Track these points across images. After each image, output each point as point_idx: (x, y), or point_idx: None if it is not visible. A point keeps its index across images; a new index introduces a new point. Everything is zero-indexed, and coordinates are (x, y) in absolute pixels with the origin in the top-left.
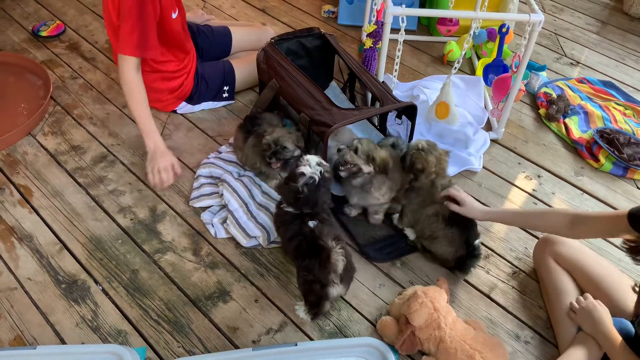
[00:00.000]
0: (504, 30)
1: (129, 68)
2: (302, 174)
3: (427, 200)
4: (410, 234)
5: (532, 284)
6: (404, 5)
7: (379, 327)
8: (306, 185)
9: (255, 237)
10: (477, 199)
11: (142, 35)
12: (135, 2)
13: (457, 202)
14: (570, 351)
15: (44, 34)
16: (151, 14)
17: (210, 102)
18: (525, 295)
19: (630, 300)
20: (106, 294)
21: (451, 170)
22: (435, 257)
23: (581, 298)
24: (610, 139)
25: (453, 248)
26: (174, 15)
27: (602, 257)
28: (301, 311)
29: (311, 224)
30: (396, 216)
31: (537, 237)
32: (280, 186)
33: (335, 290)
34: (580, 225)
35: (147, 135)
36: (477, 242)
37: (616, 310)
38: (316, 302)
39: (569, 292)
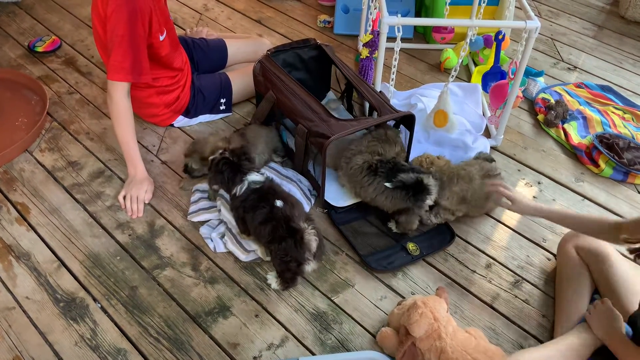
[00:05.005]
0: (500, 37)
1: (120, 93)
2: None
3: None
4: (393, 227)
5: (535, 292)
6: (399, 15)
7: (378, 339)
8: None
9: (253, 250)
10: None
11: (135, 61)
12: (127, 29)
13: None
14: (567, 336)
15: (40, 49)
16: (142, 38)
17: (208, 115)
18: (529, 304)
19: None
20: (105, 311)
21: None
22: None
23: (599, 302)
24: (609, 143)
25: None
26: (162, 38)
27: (623, 258)
28: (273, 282)
29: (278, 203)
30: (393, 223)
31: (539, 245)
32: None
33: (309, 266)
34: (621, 233)
35: (130, 161)
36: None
37: (623, 311)
38: (291, 278)
39: (581, 283)
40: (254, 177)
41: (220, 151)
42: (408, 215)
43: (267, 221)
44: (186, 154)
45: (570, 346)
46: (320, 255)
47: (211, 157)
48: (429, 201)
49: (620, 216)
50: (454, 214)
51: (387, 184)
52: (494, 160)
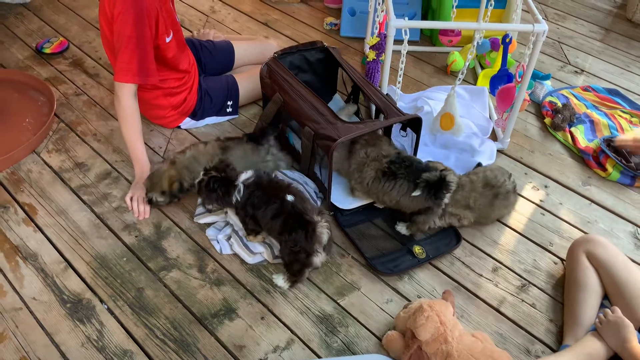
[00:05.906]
0: (507, 40)
1: (127, 95)
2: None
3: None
4: (402, 229)
5: (543, 297)
6: (406, 17)
7: (384, 342)
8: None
9: (259, 253)
10: None
11: (142, 63)
12: (134, 30)
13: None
14: (580, 345)
15: (47, 51)
16: (149, 40)
17: (214, 117)
18: (536, 308)
19: None
20: (111, 313)
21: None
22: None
23: (609, 311)
24: (617, 147)
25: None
26: (168, 40)
27: (633, 264)
28: (280, 280)
29: (289, 198)
30: (403, 225)
31: (546, 249)
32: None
33: (318, 259)
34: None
35: (136, 162)
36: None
37: (633, 318)
38: (299, 270)
39: (591, 289)
40: (243, 177)
41: (204, 172)
42: (427, 215)
43: (279, 215)
44: (148, 190)
45: (584, 356)
46: (329, 248)
47: (197, 180)
48: (446, 199)
49: (628, 220)
50: (460, 220)
51: (415, 193)
52: (480, 164)
